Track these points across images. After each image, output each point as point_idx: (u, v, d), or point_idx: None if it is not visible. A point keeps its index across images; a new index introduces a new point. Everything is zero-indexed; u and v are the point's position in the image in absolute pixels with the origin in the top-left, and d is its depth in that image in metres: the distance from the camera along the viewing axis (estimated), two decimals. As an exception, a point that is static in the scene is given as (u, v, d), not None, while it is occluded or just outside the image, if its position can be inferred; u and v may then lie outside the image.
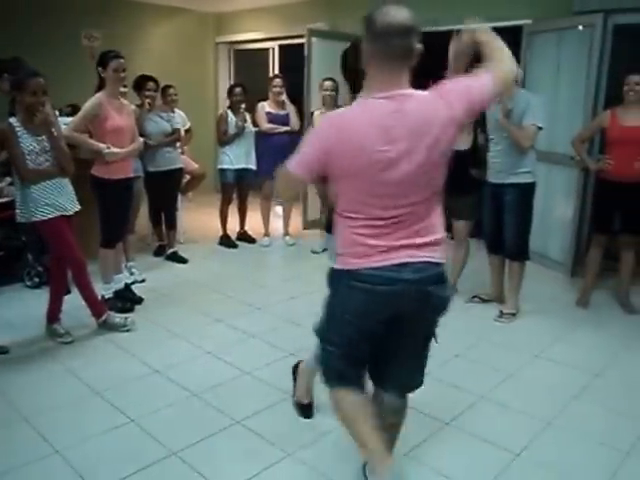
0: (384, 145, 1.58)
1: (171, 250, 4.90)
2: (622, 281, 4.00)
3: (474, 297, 4.05)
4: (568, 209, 4.66)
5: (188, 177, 5.40)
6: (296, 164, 1.69)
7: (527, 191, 3.62)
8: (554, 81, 4.70)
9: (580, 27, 4.44)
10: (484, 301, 4.00)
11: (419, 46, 1.62)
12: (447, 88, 1.66)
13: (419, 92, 1.65)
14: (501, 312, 3.77)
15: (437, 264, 1.70)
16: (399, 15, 1.58)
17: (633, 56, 5.11)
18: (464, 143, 3.78)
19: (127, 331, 3.37)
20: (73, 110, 4.62)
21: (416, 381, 1.94)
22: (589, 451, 2.37)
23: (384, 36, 1.57)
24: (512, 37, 4.79)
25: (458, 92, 1.64)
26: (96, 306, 3.36)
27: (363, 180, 1.63)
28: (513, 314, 3.76)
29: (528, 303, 3.89)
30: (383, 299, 1.68)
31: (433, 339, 1.86)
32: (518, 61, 3.78)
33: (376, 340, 1.79)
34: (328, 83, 4.88)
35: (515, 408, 2.67)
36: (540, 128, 3.49)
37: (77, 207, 3.19)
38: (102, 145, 3.39)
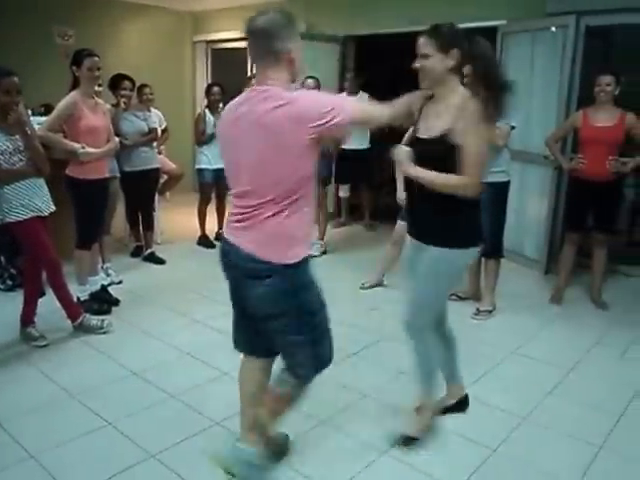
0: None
1: (148, 251, 4.86)
2: (594, 278, 4.08)
3: (452, 295, 4.08)
4: (542, 207, 4.74)
5: (165, 177, 5.35)
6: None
7: (501, 190, 3.66)
8: (528, 81, 4.77)
9: (553, 28, 4.51)
10: (461, 299, 4.05)
11: (287, 48, 1.75)
12: (301, 98, 1.76)
13: (276, 91, 1.74)
14: (478, 309, 3.82)
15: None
16: (260, 19, 1.77)
17: (604, 57, 5.22)
18: None
19: (104, 333, 3.33)
20: (46, 110, 4.55)
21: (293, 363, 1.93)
22: (563, 445, 2.42)
23: (249, 38, 1.80)
24: (487, 37, 4.90)
25: (307, 105, 1.72)
26: (72, 308, 3.31)
27: None
28: (489, 311, 3.82)
29: (504, 300, 3.94)
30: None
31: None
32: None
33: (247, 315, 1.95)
34: (310, 81, 4.90)
35: (492, 404, 2.71)
36: (513, 127, 3.54)
37: (52, 208, 3.14)
38: (77, 145, 3.34)
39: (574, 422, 2.59)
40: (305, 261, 1.83)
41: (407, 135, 2.66)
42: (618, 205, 4.00)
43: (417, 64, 2.06)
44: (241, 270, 1.83)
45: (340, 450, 2.33)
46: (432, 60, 2.03)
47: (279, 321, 1.84)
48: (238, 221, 1.83)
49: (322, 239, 5.22)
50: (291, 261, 1.77)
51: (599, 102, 3.74)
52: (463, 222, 2.20)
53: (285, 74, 1.79)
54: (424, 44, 2.04)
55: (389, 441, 2.37)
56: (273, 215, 1.75)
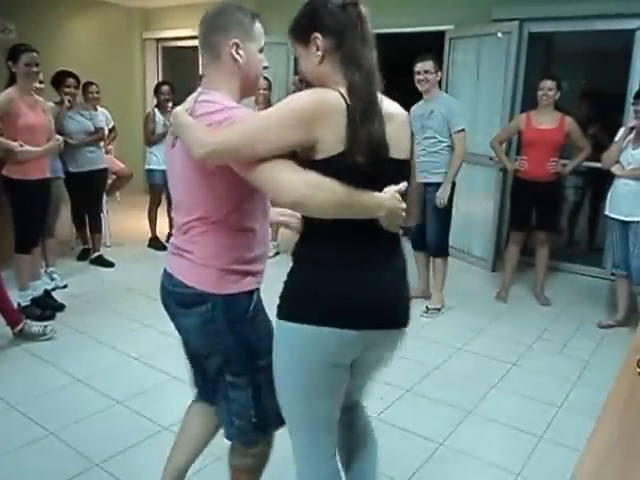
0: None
1: (96, 254, 4.72)
2: (538, 275, 4.22)
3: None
4: (488, 207, 4.87)
5: (114, 177, 5.22)
6: None
7: None
8: (474, 84, 4.91)
9: (499, 34, 4.66)
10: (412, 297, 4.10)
11: (234, 43, 1.47)
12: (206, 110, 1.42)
13: (205, 94, 1.49)
14: (427, 307, 3.89)
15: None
16: (209, 12, 1.54)
17: (546, 62, 5.43)
18: None
19: (47, 340, 3.21)
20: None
21: (224, 422, 1.64)
22: (506, 436, 2.50)
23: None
24: (435, 42, 5.01)
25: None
26: (11, 315, 3.17)
27: None
28: (438, 309, 3.90)
29: (452, 298, 4.03)
30: None
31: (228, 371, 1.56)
32: (441, 66, 3.95)
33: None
34: (263, 82, 4.88)
35: (439, 399, 2.77)
36: (463, 130, 3.66)
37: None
38: (14, 143, 3.20)
39: (516, 414, 2.67)
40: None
41: None
42: (558, 205, 4.18)
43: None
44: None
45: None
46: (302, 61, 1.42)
47: (214, 358, 1.57)
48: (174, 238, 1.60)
49: (275, 240, 5.20)
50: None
51: (541, 105, 3.89)
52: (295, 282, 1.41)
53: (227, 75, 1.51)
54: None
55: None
56: (202, 234, 1.50)
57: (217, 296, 1.48)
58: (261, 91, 4.82)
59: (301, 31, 1.37)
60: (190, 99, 1.53)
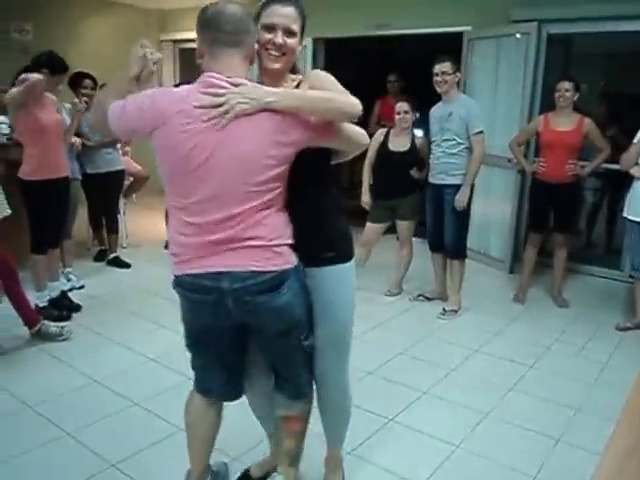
0: None
1: (113, 255, 4.75)
2: (555, 277, 4.18)
3: (419, 295, 4.13)
4: (506, 209, 4.83)
5: (131, 179, 5.25)
6: None
7: None
8: (493, 86, 4.87)
9: (518, 35, 4.62)
10: (428, 299, 4.08)
11: (251, 42, 1.58)
12: None
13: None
14: (444, 309, 3.86)
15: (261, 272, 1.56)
16: (230, 7, 1.56)
17: (565, 64, 5.38)
18: (402, 145, 3.89)
19: (63, 340, 3.23)
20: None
21: (301, 386, 1.82)
22: (523, 439, 2.47)
23: (213, 25, 1.56)
24: (454, 43, 4.97)
25: None
26: (29, 315, 3.20)
27: None
28: (455, 311, 3.86)
29: (469, 300, 3.99)
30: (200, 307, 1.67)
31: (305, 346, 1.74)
32: (459, 67, 3.92)
33: (223, 348, 1.76)
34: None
35: (455, 401, 2.75)
36: (481, 132, 3.64)
37: (7, 212, 3.03)
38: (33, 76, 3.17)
39: (533, 416, 2.65)
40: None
41: None
42: (576, 207, 4.14)
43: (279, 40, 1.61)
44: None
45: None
46: (295, 40, 1.64)
47: (296, 329, 1.70)
48: None
49: None
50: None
51: (559, 107, 3.85)
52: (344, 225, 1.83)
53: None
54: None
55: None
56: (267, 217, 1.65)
57: (290, 270, 1.61)
58: None
59: (302, 27, 1.69)
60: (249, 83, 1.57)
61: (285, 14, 1.62)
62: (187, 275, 1.60)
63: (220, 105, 1.47)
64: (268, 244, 1.56)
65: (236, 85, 1.50)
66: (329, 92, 1.56)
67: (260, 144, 1.51)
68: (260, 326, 1.69)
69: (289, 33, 1.62)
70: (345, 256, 1.75)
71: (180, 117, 1.50)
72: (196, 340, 1.80)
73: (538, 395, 2.85)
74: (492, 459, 2.32)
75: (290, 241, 1.62)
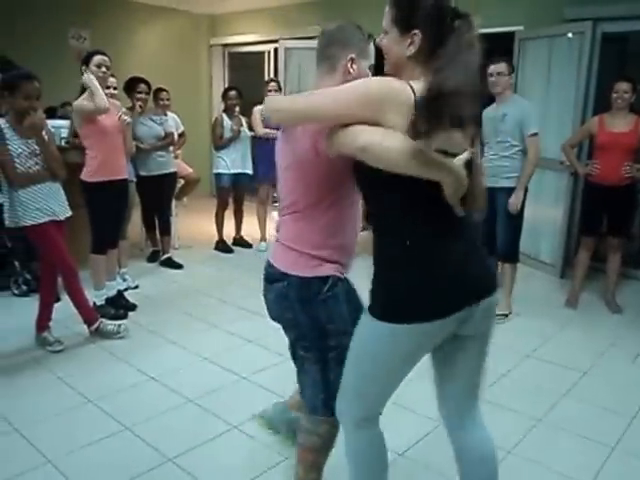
0: None
1: (165, 256, 4.85)
2: (609, 282, 4.05)
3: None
4: (558, 212, 4.72)
5: (182, 182, 5.35)
6: None
7: None
8: (545, 87, 4.76)
9: (570, 34, 4.50)
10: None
11: (350, 58, 1.61)
12: None
13: None
14: (494, 313, 3.75)
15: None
16: (331, 25, 1.66)
17: (620, 63, 5.18)
18: None
19: (120, 338, 3.31)
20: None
21: (305, 396, 1.76)
22: (577, 447, 2.40)
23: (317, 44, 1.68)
24: (505, 43, 4.85)
25: None
26: (88, 313, 3.29)
27: None
28: (505, 315, 3.78)
29: (520, 304, 3.91)
30: None
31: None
32: (513, 68, 3.80)
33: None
34: (273, 84, 5.05)
35: (507, 407, 2.68)
36: (536, 134, 3.54)
37: (68, 212, 3.13)
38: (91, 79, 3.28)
39: (588, 424, 2.57)
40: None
41: None
42: (632, 210, 4.01)
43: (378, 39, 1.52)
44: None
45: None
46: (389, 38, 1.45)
47: (289, 331, 1.75)
48: None
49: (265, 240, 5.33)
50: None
51: (616, 108, 3.75)
52: (384, 284, 1.47)
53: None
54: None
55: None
56: (289, 219, 1.68)
57: (292, 276, 1.62)
58: (271, 93, 4.93)
59: (402, 19, 1.39)
60: None
61: None
62: None
63: None
64: (285, 244, 1.66)
65: None
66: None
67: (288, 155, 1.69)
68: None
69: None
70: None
71: None
72: None
73: (592, 402, 2.76)
74: (545, 465, 2.26)
75: (313, 252, 1.60)
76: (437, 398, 1.67)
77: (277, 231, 1.73)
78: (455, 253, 1.40)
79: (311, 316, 1.63)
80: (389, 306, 1.44)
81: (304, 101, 1.46)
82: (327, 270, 1.61)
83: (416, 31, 1.36)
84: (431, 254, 1.39)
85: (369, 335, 1.50)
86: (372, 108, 1.32)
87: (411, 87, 1.32)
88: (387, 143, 1.28)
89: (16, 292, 3.96)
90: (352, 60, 1.61)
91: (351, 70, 1.61)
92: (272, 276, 1.68)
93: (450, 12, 1.36)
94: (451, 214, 1.36)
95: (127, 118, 3.60)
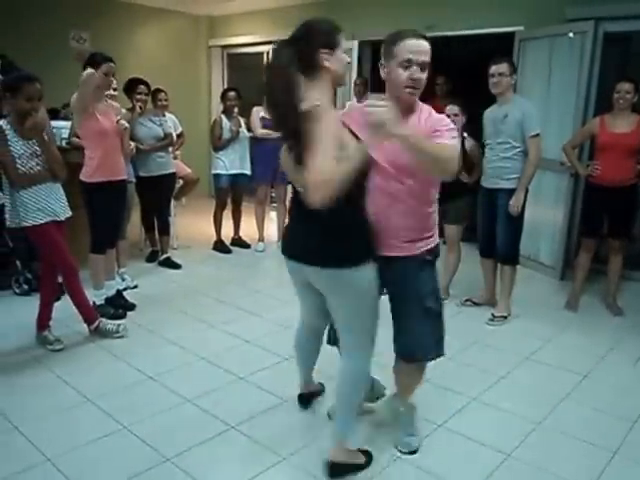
0: None
1: (164, 256, 4.88)
2: (610, 284, 4.05)
3: (467, 300, 4.07)
4: (558, 214, 4.71)
5: (181, 182, 5.38)
6: None
7: None
8: (545, 87, 4.75)
9: (571, 34, 4.49)
10: (476, 304, 4.02)
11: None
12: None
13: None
14: (493, 315, 3.79)
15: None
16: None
17: (622, 63, 5.19)
18: None
19: (120, 338, 3.34)
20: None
21: (412, 346, 2.15)
22: (578, 451, 2.40)
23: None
24: (504, 43, 4.88)
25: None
26: (88, 312, 3.33)
27: None
28: (505, 317, 3.79)
29: (519, 306, 3.91)
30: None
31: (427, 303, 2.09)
32: (515, 69, 3.82)
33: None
34: None
35: (506, 409, 2.69)
36: (538, 134, 3.55)
37: (68, 213, 3.16)
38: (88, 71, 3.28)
39: (588, 427, 2.57)
40: None
41: None
42: (633, 211, 3.98)
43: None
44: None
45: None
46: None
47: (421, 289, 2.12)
48: None
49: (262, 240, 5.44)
50: None
51: (617, 109, 3.74)
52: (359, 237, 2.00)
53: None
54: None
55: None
56: None
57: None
58: None
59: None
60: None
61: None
62: None
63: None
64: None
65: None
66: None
67: None
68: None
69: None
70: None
71: None
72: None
73: (593, 406, 2.76)
74: (545, 470, 2.26)
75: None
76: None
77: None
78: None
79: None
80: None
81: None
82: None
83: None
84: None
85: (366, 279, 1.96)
86: None
87: None
88: None
89: (17, 291, 4.00)
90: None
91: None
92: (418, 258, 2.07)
93: None
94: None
95: (125, 123, 3.63)
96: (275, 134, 5.27)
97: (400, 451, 2.32)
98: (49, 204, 3.02)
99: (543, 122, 4.42)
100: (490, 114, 3.70)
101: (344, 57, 1.83)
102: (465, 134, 3.90)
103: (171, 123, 4.96)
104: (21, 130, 2.91)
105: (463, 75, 5.60)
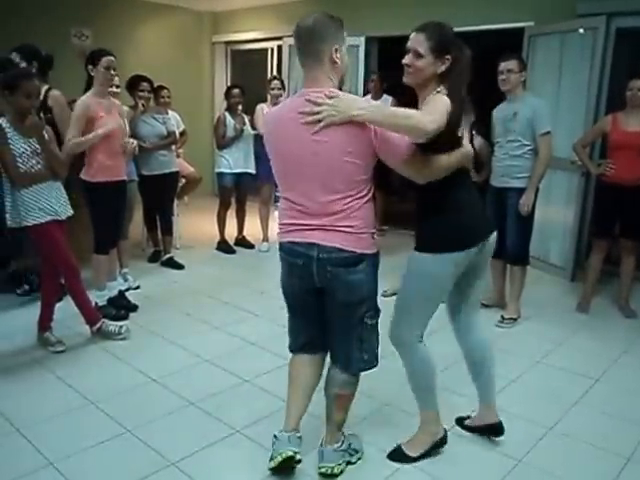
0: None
1: (167, 256, 4.83)
2: (622, 286, 3.98)
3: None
4: (569, 214, 4.64)
5: (184, 181, 5.34)
6: None
7: None
8: (556, 84, 4.69)
9: (581, 30, 4.43)
10: (486, 306, 3.94)
11: (334, 49, 1.85)
12: None
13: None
14: (502, 317, 3.73)
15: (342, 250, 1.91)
16: (307, 20, 1.85)
17: (634, 60, 5.12)
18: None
19: (122, 339, 3.29)
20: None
21: (353, 359, 2.05)
22: (590, 456, 2.35)
23: (296, 39, 1.89)
24: (514, 39, 4.82)
25: None
26: (90, 313, 3.27)
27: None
28: (514, 319, 3.73)
29: (529, 308, 3.85)
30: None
31: (369, 322, 2.02)
32: (525, 66, 3.76)
33: (310, 310, 2.08)
34: (276, 82, 5.11)
35: (517, 414, 2.63)
36: (549, 132, 3.50)
37: (70, 212, 3.11)
38: (99, 131, 3.31)
39: (601, 433, 2.52)
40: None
41: None
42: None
43: (406, 60, 1.98)
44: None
45: (362, 459, 2.27)
46: (424, 61, 1.94)
47: (363, 304, 1.99)
48: None
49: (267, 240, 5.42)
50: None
51: (630, 106, 3.68)
52: (439, 225, 2.07)
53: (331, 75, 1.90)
54: (419, 42, 1.95)
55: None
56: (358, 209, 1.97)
57: (369, 255, 1.96)
58: (274, 91, 5.04)
59: (439, 48, 1.93)
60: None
61: (411, 39, 1.98)
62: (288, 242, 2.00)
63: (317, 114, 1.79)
64: (356, 232, 1.90)
65: (330, 97, 1.79)
66: (413, 111, 1.82)
67: (337, 151, 1.83)
68: (332, 293, 1.98)
69: (417, 55, 1.94)
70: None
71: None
72: (290, 302, 2.14)
73: (606, 410, 2.71)
74: (556, 476, 2.21)
75: (373, 230, 1.97)
76: (450, 314, 2.34)
77: (332, 226, 1.91)
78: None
79: (376, 285, 2.04)
80: (441, 241, 2.04)
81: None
82: (377, 243, 2.02)
83: (448, 56, 1.93)
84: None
85: (430, 265, 2.05)
86: None
87: None
88: None
89: (18, 291, 3.95)
90: (336, 50, 1.86)
91: (337, 59, 1.87)
92: (350, 260, 1.91)
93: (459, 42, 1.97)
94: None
95: (134, 144, 3.68)
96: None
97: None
98: (50, 203, 2.97)
99: (553, 120, 4.36)
100: (499, 112, 3.65)
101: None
102: (474, 132, 3.84)
103: (174, 121, 4.92)
104: (21, 128, 2.87)
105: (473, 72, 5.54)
